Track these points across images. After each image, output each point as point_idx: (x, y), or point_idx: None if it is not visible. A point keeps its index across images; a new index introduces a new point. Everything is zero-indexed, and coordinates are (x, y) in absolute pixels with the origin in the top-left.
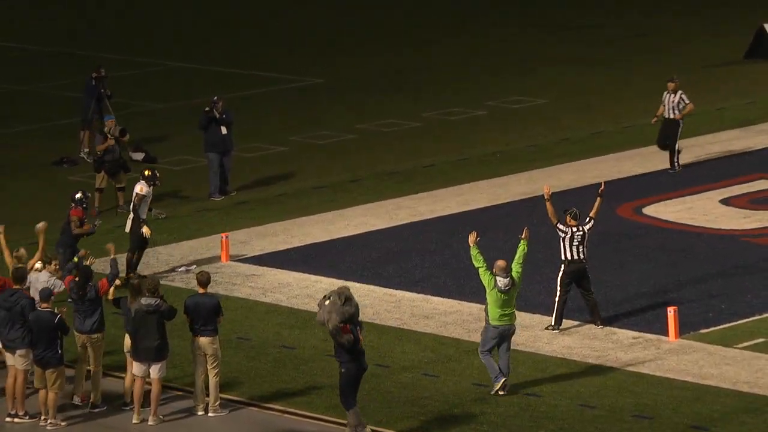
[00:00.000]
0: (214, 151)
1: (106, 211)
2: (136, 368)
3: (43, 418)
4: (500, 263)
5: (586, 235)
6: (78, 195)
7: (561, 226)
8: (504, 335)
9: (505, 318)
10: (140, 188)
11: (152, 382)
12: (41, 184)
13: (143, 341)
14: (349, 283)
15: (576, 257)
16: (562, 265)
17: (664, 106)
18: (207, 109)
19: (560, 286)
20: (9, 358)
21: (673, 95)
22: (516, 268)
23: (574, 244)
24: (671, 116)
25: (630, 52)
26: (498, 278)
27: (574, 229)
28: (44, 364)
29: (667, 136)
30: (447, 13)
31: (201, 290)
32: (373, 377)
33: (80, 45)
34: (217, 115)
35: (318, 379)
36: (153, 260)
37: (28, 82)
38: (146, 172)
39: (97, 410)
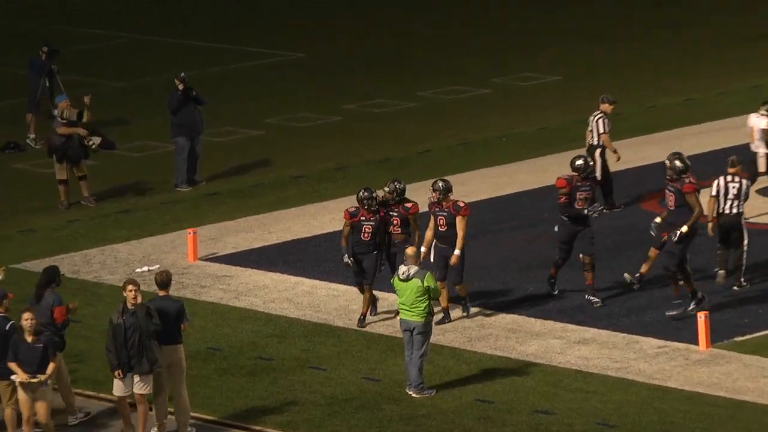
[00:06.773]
0: (185, 135)
1: (74, 204)
2: (116, 387)
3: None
4: (409, 251)
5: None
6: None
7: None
8: (408, 331)
9: (403, 311)
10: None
11: (136, 400)
12: None
13: (121, 354)
14: (333, 285)
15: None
16: None
17: None
18: (181, 87)
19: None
20: None
21: None
22: (430, 287)
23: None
24: None
25: (649, 25)
26: (401, 265)
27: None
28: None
29: None
30: None
31: (161, 293)
32: (362, 393)
33: (23, 17)
34: (195, 93)
35: (298, 395)
36: (110, 260)
37: None
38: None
39: (77, 421)
